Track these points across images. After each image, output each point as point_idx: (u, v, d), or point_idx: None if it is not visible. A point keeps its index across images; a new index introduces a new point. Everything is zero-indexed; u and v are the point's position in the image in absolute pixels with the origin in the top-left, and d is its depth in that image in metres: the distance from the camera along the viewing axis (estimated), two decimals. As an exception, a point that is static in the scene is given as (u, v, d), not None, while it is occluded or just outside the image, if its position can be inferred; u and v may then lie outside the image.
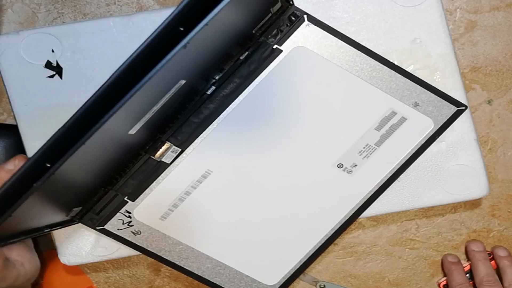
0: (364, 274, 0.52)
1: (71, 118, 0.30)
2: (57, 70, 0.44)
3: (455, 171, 0.45)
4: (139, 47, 0.30)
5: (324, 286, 0.48)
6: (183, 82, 0.36)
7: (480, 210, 0.50)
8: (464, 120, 0.45)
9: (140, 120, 0.35)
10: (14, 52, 0.43)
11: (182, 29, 0.30)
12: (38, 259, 0.39)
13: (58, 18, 0.49)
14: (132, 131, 0.36)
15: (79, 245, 0.45)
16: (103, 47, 0.44)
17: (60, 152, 0.30)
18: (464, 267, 0.50)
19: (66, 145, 0.30)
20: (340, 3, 0.44)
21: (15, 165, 0.37)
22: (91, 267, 0.50)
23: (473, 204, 0.50)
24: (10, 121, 0.49)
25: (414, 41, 0.44)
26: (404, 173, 0.45)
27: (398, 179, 0.45)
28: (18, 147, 0.45)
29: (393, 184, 0.44)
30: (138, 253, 0.44)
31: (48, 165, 0.30)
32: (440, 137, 0.44)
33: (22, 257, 0.37)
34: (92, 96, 0.30)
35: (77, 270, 0.51)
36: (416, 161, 0.45)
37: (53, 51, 0.44)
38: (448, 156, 0.45)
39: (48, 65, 0.44)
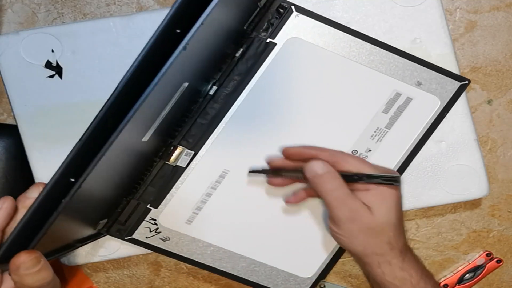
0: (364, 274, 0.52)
1: (86, 131, 0.31)
2: (57, 70, 0.44)
3: (455, 171, 0.45)
4: (139, 54, 0.30)
5: (324, 286, 0.48)
6: (186, 84, 0.36)
7: (480, 210, 0.50)
8: (464, 120, 0.45)
9: (151, 127, 0.36)
10: (14, 52, 0.43)
11: (178, 31, 0.31)
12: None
13: (58, 18, 0.48)
14: (145, 138, 0.36)
15: (79, 245, 0.45)
16: (103, 47, 0.44)
17: (81, 166, 0.30)
18: (464, 267, 0.50)
19: (85, 158, 0.30)
20: (340, 3, 0.44)
21: (39, 191, 0.35)
22: (91, 267, 0.50)
23: (473, 204, 0.50)
24: (10, 121, 0.49)
25: (414, 41, 0.44)
26: (404, 173, 0.45)
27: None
28: (18, 147, 0.45)
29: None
30: (138, 253, 0.44)
31: (72, 180, 0.31)
32: (440, 137, 0.44)
33: None
34: (102, 108, 0.31)
35: (77, 270, 0.51)
36: (416, 161, 0.45)
37: (53, 51, 0.43)
38: (448, 156, 0.45)
39: (48, 65, 0.44)
